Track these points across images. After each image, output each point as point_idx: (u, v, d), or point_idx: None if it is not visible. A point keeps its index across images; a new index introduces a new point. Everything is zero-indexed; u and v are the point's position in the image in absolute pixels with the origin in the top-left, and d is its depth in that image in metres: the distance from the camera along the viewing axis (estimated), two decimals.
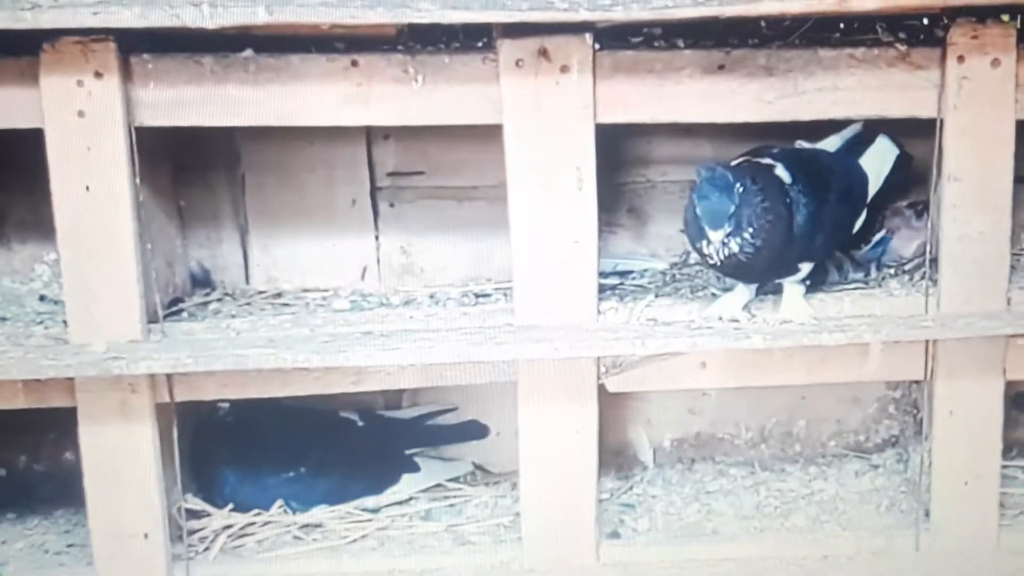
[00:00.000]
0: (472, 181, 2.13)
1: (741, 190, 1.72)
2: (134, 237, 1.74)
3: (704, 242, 1.75)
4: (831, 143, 2.01)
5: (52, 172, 1.68)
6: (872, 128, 2.00)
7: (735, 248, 1.74)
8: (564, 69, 1.76)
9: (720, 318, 1.88)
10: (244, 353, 1.74)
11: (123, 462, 1.82)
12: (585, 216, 1.82)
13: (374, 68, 1.74)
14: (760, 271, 1.82)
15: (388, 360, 1.78)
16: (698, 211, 1.73)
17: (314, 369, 1.81)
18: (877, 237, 2.08)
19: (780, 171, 1.83)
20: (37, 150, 1.70)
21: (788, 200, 1.80)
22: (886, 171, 2.00)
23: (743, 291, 1.91)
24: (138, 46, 1.65)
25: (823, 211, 1.84)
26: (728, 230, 1.72)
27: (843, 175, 1.94)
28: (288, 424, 2.05)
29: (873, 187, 1.98)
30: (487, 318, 1.90)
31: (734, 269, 1.81)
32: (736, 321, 1.88)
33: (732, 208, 1.71)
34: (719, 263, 1.77)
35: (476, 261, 2.13)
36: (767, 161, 1.84)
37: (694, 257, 2.20)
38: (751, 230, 1.73)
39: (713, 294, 1.97)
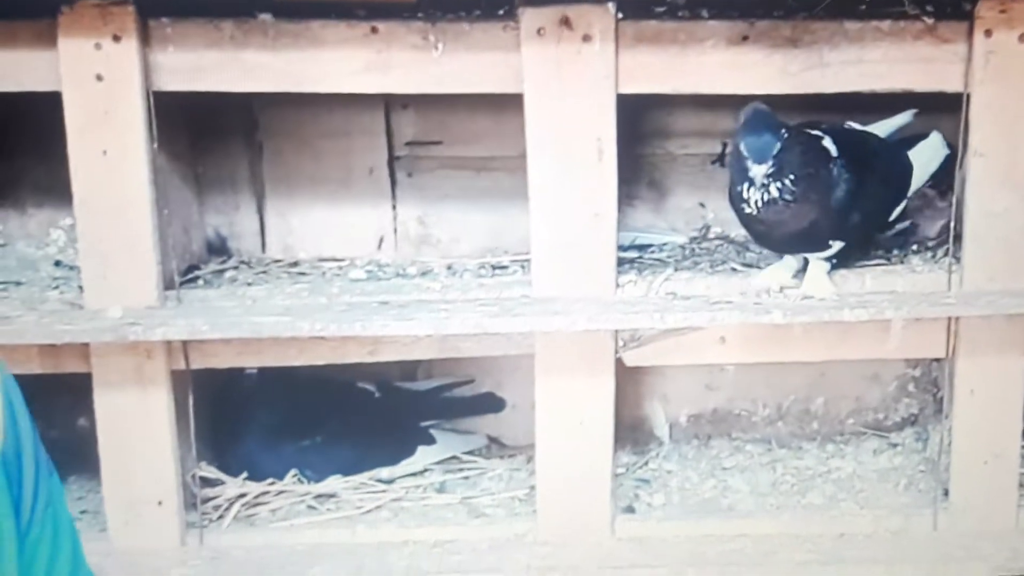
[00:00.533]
0: (491, 151, 2.12)
1: (786, 135, 1.71)
2: (151, 203, 1.73)
3: (746, 185, 1.73)
4: (881, 128, 1.99)
5: (69, 136, 1.68)
6: (926, 123, 1.99)
7: (775, 192, 1.72)
8: (586, 38, 1.75)
9: (768, 290, 1.88)
10: (260, 321, 1.74)
11: (137, 429, 1.83)
12: (605, 188, 1.81)
13: (394, 35, 1.74)
14: (793, 236, 1.80)
15: (404, 330, 1.78)
16: (742, 146, 1.72)
17: (330, 338, 1.81)
18: (902, 226, 2.07)
19: (827, 143, 1.82)
20: (54, 114, 1.70)
21: (831, 169, 1.79)
22: (933, 168, 1.98)
23: (790, 262, 1.90)
24: (157, 9, 1.64)
25: (863, 190, 1.83)
26: (771, 169, 1.70)
27: (888, 161, 1.93)
28: (305, 394, 2.05)
29: (918, 181, 1.96)
30: (504, 290, 1.90)
31: (769, 226, 1.79)
32: (783, 292, 1.87)
33: (777, 145, 1.70)
34: (756, 211, 1.75)
35: (494, 232, 2.13)
36: (815, 132, 1.83)
37: (714, 231, 2.21)
38: (792, 177, 1.72)
39: (733, 268, 1.96)
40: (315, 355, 1.85)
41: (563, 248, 1.84)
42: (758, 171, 1.71)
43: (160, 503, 1.87)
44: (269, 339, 1.77)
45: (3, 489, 0.92)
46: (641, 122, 2.13)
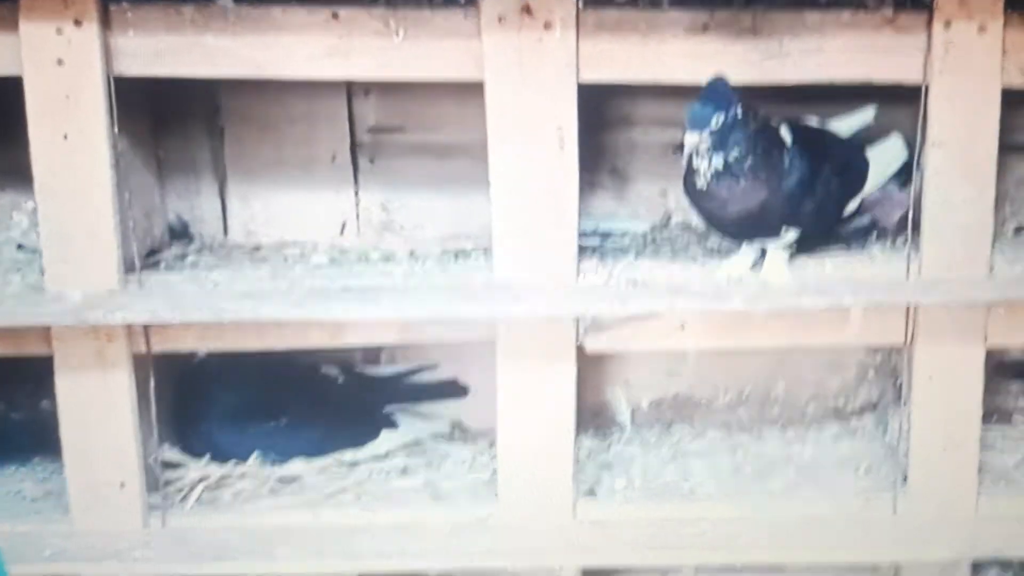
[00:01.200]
0: (454, 138, 2.13)
1: (738, 111, 1.75)
2: (112, 186, 1.75)
3: (692, 156, 1.77)
4: (842, 125, 2.02)
5: (30, 120, 1.69)
6: (890, 120, 2.03)
7: (719, 166, 1.76)
8: (547, 26, 1.77)
9: (728, 279, 1.91)
10: (222, 305, 1.77)
11: (99, 411, 1.85)
12: (566, 175, 1.84)
13: (355, 21, 1.76)
14: (744, 218, 1.83)
15: (365, 314, 1.80)
16: (686, 114, 1.75)
17: (292, 322, 1.83)
18: (861, 222, 2.09)
19: (783, 131, 1.86)
20: (13, 97, 1.71)
21: (784, 155, 1.83)
22: (893, 170, 2.02)
23: (747, 251, 1.93)
24: None
25: (816, 180, 1.86)
26: (711, 141, 1.74)
27: (843, 155, 1.97)
28: (269, 377, 2.07)
29: (876, 179, 2.00)
30: (466, 276, 1.92)
31: (719, 203, 1.82)
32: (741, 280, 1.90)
33: (719, 116, 1.74)
34: (705, 187, 1.79)
35: (456, 218, 2.15)
36: (773, 121, 1.87)
37: (675, 220, 2.24)
38: (738, 152, 1.76)
39: (693, 258, 1.99)
40: (277, 339, 1.88)
41: (524, 235, 1.86)
42: (691, 139, 1.74)
43: (122, 485, 1.89)
44: (231, 323, 1.79)
45: None
46: (603, 109, 2.16)
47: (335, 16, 1.75)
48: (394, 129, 2.15)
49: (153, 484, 1.95)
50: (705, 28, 1.82)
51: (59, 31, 1.65)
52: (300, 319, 1.80)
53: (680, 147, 1.82)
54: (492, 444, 2.07)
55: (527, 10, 1.77)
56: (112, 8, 1.67)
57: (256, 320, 1.78)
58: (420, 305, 1.82)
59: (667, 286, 1.90)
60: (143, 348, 1.84)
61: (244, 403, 2.06)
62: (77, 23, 1.65)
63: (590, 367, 2.12)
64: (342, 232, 2.16)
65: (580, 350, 1.92)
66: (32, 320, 1.73)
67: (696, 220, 2.09)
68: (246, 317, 1.77)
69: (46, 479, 2.04)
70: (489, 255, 1.91)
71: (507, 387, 1.93)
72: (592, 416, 2.28)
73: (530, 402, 1.94)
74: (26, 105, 1.69)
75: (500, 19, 1.77)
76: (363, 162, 2.16)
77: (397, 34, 1.77)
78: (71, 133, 1.71)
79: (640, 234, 2.15)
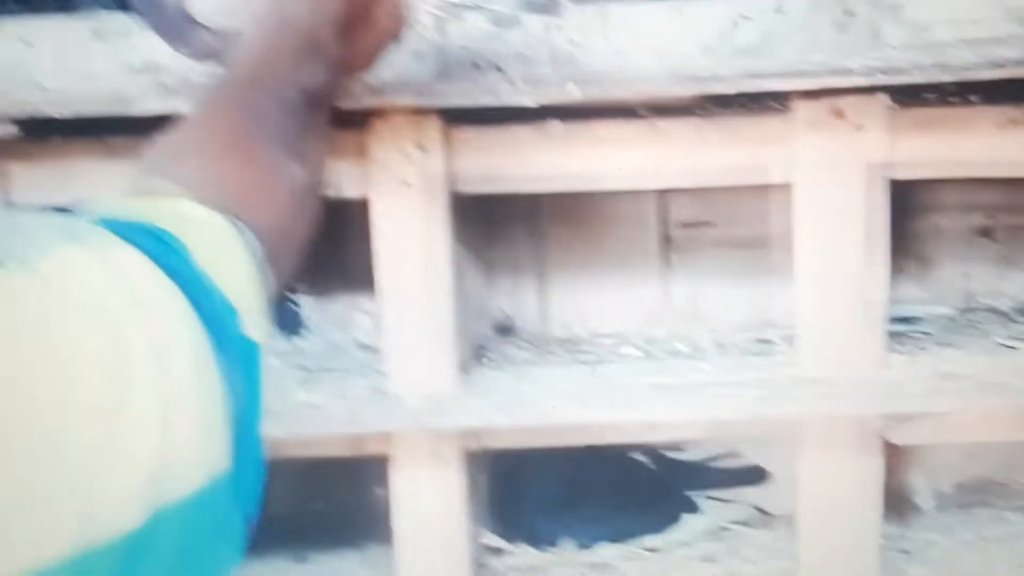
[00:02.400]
0: (758, 230, 2.22)
1: None
2: (450, 294, 1.90)
3: None
4: None
5: (376, 236, 1.85)
6: None
7: None
8: (859, 128, 1.85)
9: None
10: (545, 409, 1.90)
11: (431, 504, 1.99)
12: (874, 272, 1.89)
13: (672, 132, 1.86)
14: None
15: (677, 416, 1.91)
16: None
17: (608, 424, 1.95)
18: None
19: None
20: (352, 208, 1.89)
21: None
22: None
23: None
24: (460, 118, 1.80)
25: None
26: None
27: None
28: (580, 464, 2.20)
29: None
30: (771, 370, 2.00)
31: None
32: None
33: None
34: None
35: (760, 307, 2.24)
36: None
37: (979, 303, 2.27)
38: None
39: (1001, 344, 2.02)
40: (594, 435, 1.99)
41: (830, 328, 1.92)
42: None
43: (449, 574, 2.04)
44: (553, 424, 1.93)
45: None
46: (906, 196, 2.21)
47: (655, 129, 1.86)
48: (702, 224, 2.26)
49: (478, 571, 2.09)
50: (1014, 122, 1.86)
51: (406, 156, 1.81)
52: (615, 421, 1.92)
53: (985, 231, 1.86)
54: (793, 530, 2.14)
55: (839, 113, 1.84)
56: (454, 132, 1.82)
57: (576, 423, 1.91)
58: (727, 406, 1.90)
59: (976, 379, 1.94)
60: (474, 445, 1.98)
61: (558, 489, 2.19)
62: (422, 148, 1.80)
63: (891, 450, 2.17)
64: (652, 322, 2.27)
65: (884, 440, 1.98)
66: (376, 427, 1.89)
67: (1001, 303, 2.13)
68: (567, 420, 1.90)
69: (376, 563, 2.19)
70: (792, 343, 1.99)
71: (810, 478, 1.99)
72: (891, 499, 2.31)
73: (833, 492, 1.98)
74: (373, 222, 1.85)
75: (812, 123, 1.85)
76: (672, 255, 2.27)
77: (712, 142, 1.87)
78: (414, 247, 1.86)
79: (944, 318, 2.19)
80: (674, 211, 2.25)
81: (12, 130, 1.72)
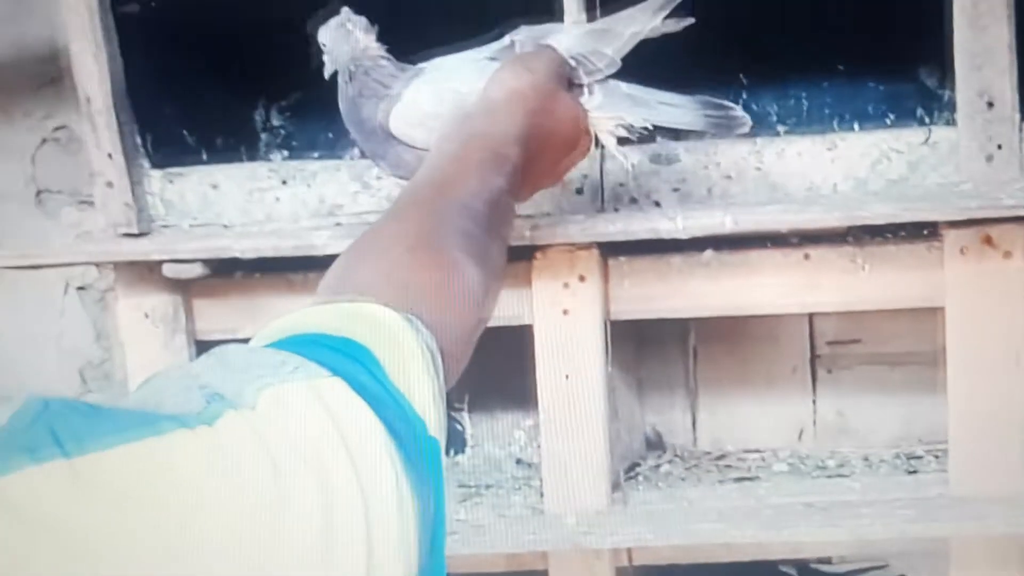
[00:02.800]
0: (906, 348, 2.24)
1: None
2: (605, 417, 1.96)
3: None
4: None
5: (538, 362, 1.92)
6: None
7: None
8: (1007, 255, 1.88)
9: None
10: (696, 528, 1.93)
11: None
12: (1021, 390, 1.93)
13: (824, 260, 1.91)
14: None
15: (827, 537, 1.94)
16: None
17: (757, 544, 1.99)
18: None
19: None
20: (517, 335, 1.97)
21: None
22: None
23: None
24: (616, 250, 1.88)
25: None
26: None
27: None
28: (730, 574, 2.25)
29: None
30: (920, 488, 2.02)
31: None
32: None
33: None
34: None
35: (907, 423, 2.26)
36: None
37: None
38: None
39: None
40: (742, 553, 2.04)
41: (981, 448, 1.94)
42: None
43: None
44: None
45: None
46: None
47: (806, 257, 1.91)
48: (851, 342, 2.30)
49: None
50: None
51: (566, 285, 1.88)
52: (765, 540, 1.96)
53: None
54: None
55: (988, 241, 1.88)
56: (611, 262, 1.89)
57: (726, 543, 1.95)
58: (877, 525, 1.92)
59: None
60: (626, 562, 2.04)
61: None
62: (581, 278, 1.88)
63: None
64: (800, 438, 2.31)
65: None
66: (534, 546, 1.95)
67: None
68: (717, 540, 1.94)
69: None
70: (940, 458, 2.02)
71: None
72: None
73: None
74: (535, 348, 1.94)
75: (962, 250, 1.88)
76: (821, 372, 2.31)
77: (863, 268, 1.92)
78: (572, 373, 1.93)
79: None
80: (823, 329, 2.29)
81: (199, 270, 1.83)
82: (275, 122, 2.22)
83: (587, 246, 1.85)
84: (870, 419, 2.30)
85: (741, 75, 2.09)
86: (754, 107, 2.10)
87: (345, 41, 1.58)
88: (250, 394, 0.80)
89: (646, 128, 1.56)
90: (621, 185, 1.85)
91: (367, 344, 0.94)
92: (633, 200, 1.86)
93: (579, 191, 1.86)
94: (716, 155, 1.84)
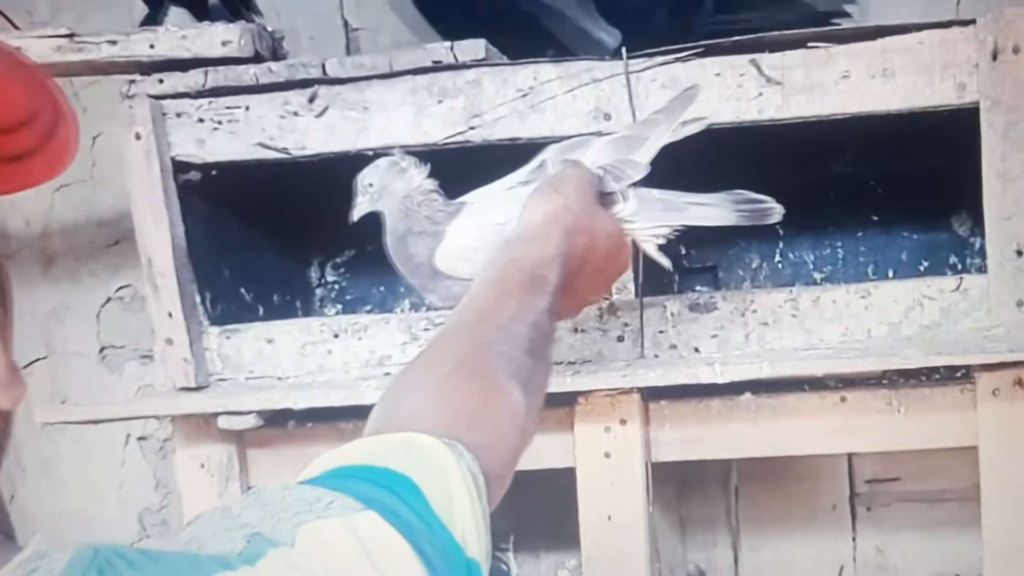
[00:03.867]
0: (944, 485, 2.23)
1: None
2: (647, 556, 1.94)
3: None
4: None
5: (580, 503, 1.91)
6: None
7: None
8: None
9: None
10: None
11: None
12: None
13: (860, 402, 1.89)
14: None
15: None
16: None
17: None
18: None
19: None
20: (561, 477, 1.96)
21: None
22: None
23: None
24: (657, 394, 1.87)
25: None
26: None
27: None
28: None
29: None
30: None
31: None
32: None
33: None
34: None
35: (946, 559, 2.23)
36: None
37: None
38: None
39: None
40: None
41: None
42: None
43: None
44: None
45: None
46: None
47: (843, 399, 1.90)
48: (889, 480, 2.28)
49: None
50: None
51: (607, 429, 1.88)
52: None
53: None
54: None
55: (1020, 383, 1.86)
56: (651, 406, 1.89)
57: None
58: None
59: None
60: None
61: None
62: (623, 422, 1.88)
63: None
64: (839, 575, 2.28)
65: None
66: None
67: None
68: None
69: None
70: None
71: None
72: None
73: None
74: (578, 491, 1.92)
75: (994, 392, 1.87)
76: (860, 510, 2.29)
77: (899, 411, 1.90)
78: (614, 514, 1.92)
79: None
80: (862, 467, 2.28)
81: (253, 421, 1.84)
82: (330, 278, 2.25)
83: (628, 391, 1.85)
84: (909, 555, 2.28)
85: (778, 226, 2.10)
86: (791, 256, 2.11)
87: (398, 179, 1.59)
88: (287, 531, 0.81)
89: (682, 228, 1.55)
90: (661, 332, 1.85)
91: (407, 473, 0.95)
92: (673, 346, 1.86)
93: (620, 338, 1.86)
94: (753, 303, 1.83)
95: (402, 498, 0.91)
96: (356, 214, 1.62)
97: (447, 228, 1.55)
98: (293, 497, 0.87)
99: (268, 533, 0.81)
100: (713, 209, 1.55)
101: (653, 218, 1.50)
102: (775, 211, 1.57)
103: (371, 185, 1.60)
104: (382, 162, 1.61)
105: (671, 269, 1.50)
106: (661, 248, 1.54)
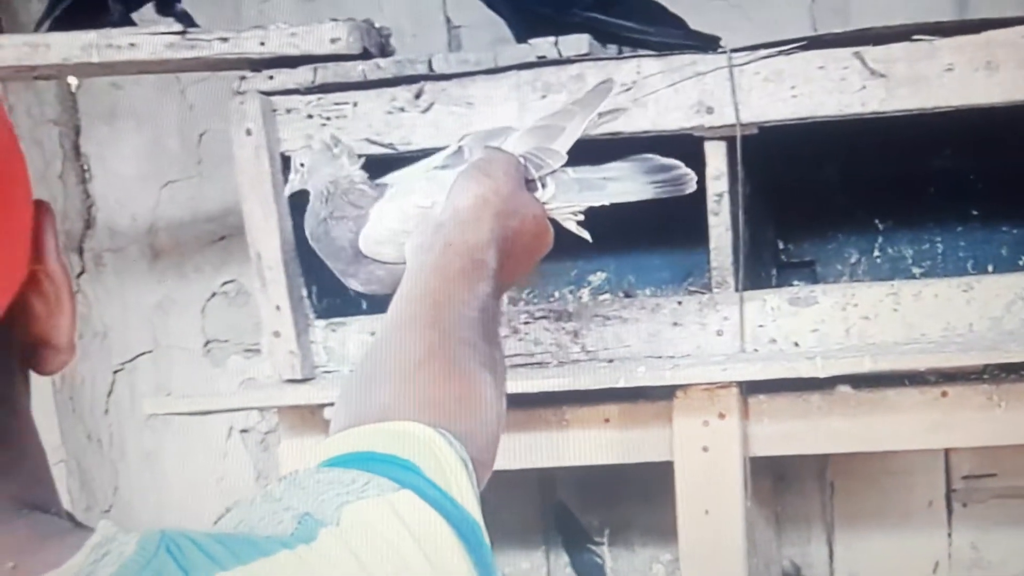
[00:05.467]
0: None
1: None
2: (744, 551, 1.90)
3: None
4: None
5: (679, 498, 1.87)
6: None
7: None
8: None
9: None
10: None
11: None
12: None
13: (961, 397, 1.84)
14: None
15: None
16: None
17: None
18: None
19: None
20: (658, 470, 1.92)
21: None
22: None
23: None
24: (756, 388, 1.83)
25: None
26: None
27: None
28: None
29: None
30: None
31: None
32: None
33: None
34: None
35: None
36: None
37: None
38: None
39: None
40: None
41: None
42: None
43: None
44: None
45: None
46: None
47: (944, 394, 1.84)
48: (986, 476, 2.21)
49: None
50: None
51: (706, 423, 1.83)
52: None
53: None
54: None
55: None
56: (750, 401, 1.84)
57: None
58: None
59: None
60: None
61: None
62: (721, 416, 1.83)
63: None
64: (935, 571, 2.21)
65: None
66: None
67: None
68: None
69: None
70: None
71: None
72: None
73: None
74: (676, 485, 1.87)
75: None
76: (956, 506, 2.22)
77: (999, 406, 1.84)
78: (711, 508, 1.87)
79: None
80: (959, 463, 2.21)
81: None
82: None
83: (727, 385, 1.81)
84: (1005, 552, 2.21)
85: (877, 221, 2.04)
86: (890, 250, 2.05)
87: (329, 163, 1.56)
88: (332, 512, 0.82)
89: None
90: (760, 326, 1.79)
91: (412, 459, 0.94)
92: (772, 340, 1.80)
93: (719, 332, 1.81)
94: (854, 297, 1.78)
95: (429, 485, 0.91)
96: (287, 190, 1.63)
97: (370, 211, 1.52)
98: (329, 479, 0.87)
99: (316, 514, 0.81)
100: (628, 184, 1.51)
101: (571, 200, 1.47)
102: (689, 178, 1.52)
103: (302, 165, 1.59)
104: (317, 144, 1.60)
105: (591, 241, 1.46)
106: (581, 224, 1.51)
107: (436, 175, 1.50)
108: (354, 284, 1.58)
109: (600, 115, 1.50)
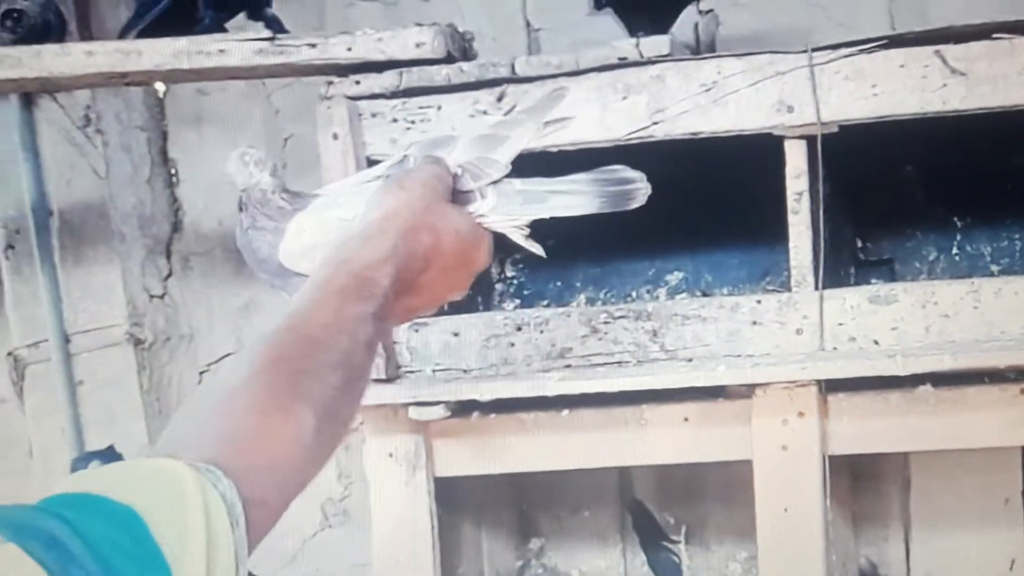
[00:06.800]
0: None
1: None
2: (823, 549, 1.87)
3: None
4: None
5: (757, 495, 1.85)
6: None
7: None
8: None
9: None
10: None
11: None
12: None
13: None
14: None
15: None
16: None
17: None
18: None
19: None
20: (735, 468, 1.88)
21: None
22: None
23: None
24: (835, 386, 1.80)
25: None
26: None
27: None
28: None
29: None
30: None
31: None
32: None
33: None
34: None
35: None
36: None
37: None
38: None
39: None
40: None
41: None
42: None
43: None
44: None
45: None
46: None
47: (1023, 391, 1.79)
48: None
49: None
50: None
51: (785, 422, 1.81)
52: None
53: None
54: None
55: None
56: (830, 399, 1.81)
57: None
58: None
59: None
60: None
61: None
62: (800, 415, 1.80)
63: None
64: (1011, 568, 2.17)
65: None
66: None
67: None
68: None
69: None
70: None
71: None
72: None
73: None
74: (755, 483, 1.84)
75: None
76: None
77: None
78: (790, 506, 1.85)
79: None
80: None
81: (441, 411, 1.80)
82: (509, 273, 2.19)
83: (806, 383, 1.78)
84: None
85: (955, 218, 1.99)
86: (968, 248, 2.00)
87: (241, 172, 1.45)
88: None
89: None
90: (840, 324, 1.76)
91: (129, 502, 0.87)
92: (852, 339, 1.77)
93: (799, 331, 1.78)
94: (934, 295, 1.74)
95: (82, 529, 0.84)
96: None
97: (288, 225, 1.42)
98: None
99: None
100: (575, 197, 1.38)
101: (512, 212, 1.34)
102: (640, 192, 1.36)
103: (228, 174, 1.51)
104: (234, 154, 1.52)
105: (544, 256, 1.37)
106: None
107: (365, 187, 1.39)
108: (285, 296, 1.52)
109: (547, 124, 1.38)
